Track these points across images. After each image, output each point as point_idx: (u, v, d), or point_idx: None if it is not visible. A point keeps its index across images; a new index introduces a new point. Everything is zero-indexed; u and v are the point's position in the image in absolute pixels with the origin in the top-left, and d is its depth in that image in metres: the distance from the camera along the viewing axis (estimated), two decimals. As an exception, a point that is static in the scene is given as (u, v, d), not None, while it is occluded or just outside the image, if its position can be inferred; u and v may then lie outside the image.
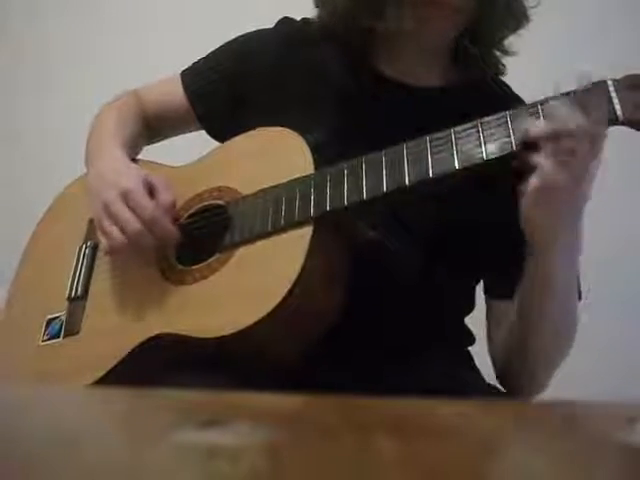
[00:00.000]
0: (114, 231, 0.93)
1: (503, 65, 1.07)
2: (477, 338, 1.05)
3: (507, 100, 1.01)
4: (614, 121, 0.79)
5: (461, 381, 0.96)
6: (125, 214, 0.93)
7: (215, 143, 1.12)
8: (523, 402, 0.87)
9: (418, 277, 0.94)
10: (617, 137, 0.83)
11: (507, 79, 1.11)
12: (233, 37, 1.13)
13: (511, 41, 1.05)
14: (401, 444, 0.34)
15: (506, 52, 1.05)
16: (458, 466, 0.32)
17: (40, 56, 1.92)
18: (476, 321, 1.06)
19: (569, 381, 1.02)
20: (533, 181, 0.80)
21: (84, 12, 1.91)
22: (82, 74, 1.87)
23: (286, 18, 1.11)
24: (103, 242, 0.96)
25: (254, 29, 1.13)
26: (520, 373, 0.98)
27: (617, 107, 0.78)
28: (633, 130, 0.82)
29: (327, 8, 1.04)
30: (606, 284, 1.57)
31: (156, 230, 0.93)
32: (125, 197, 0.93)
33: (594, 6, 1.82)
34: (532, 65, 1.39)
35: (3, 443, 0.36)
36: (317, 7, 1.06)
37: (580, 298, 1.00)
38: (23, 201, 1.71)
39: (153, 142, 1.18)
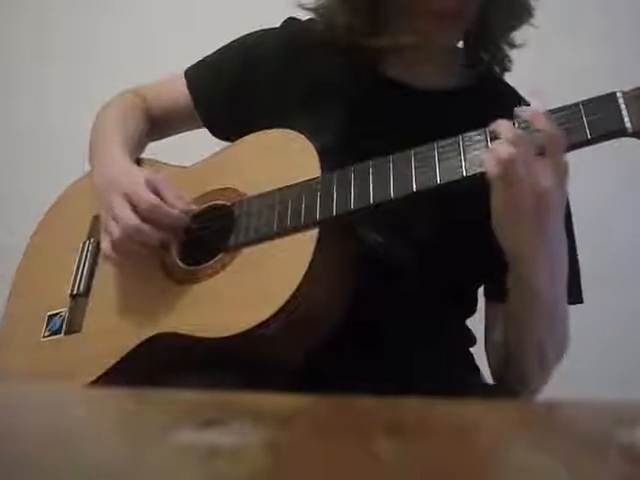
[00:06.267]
0: (115, 231, 0.93)
1: (510, 60, 1.07)
2: (478, 338, 1.05)
3: (514, 101, 1.00)
4: (623, 133, 0.78)
5: (462, 381, 0.96)
6: (126, 212, 0.92)
7: (221, 142, 1.12)
8: (524, 402, 0.87)
9: (420, 281, 0.94)
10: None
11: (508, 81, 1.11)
12: (237, 35, 1.13)
13: (516, 34, 1.04)
14: (401, 444, 0.34)
15: (512, 45, 1.05)
16: (458, 466, 0.32)
17: (40, 54, 1.92)
18: (476, 322, 1.06)
19: (569, 381, 1.02)
20: (499, 194, 0.79)
21: (85, 11, 1.92)
22: (82, 73, 1.88)
23: (291, 19, 1.11)
24: (104, 244, 0.96)
25: (258, 28, 1.12)
26: (512, 376, 0.97)
27: (626, 119, 0.77)
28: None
29: (325, 20, 1.04)
30: (606, 283, 1.57)
31: (161, 218, 0.92)
32: (128, 197, 0.93)
33: (598, 9, 1.82)
34: (534, 69, 1.40)
35: (2, 443, 0.36)
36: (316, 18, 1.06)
37: (581, 301, 1.00)
38: (22, 199, 1.72)
39: (156, 140, 1.18)
